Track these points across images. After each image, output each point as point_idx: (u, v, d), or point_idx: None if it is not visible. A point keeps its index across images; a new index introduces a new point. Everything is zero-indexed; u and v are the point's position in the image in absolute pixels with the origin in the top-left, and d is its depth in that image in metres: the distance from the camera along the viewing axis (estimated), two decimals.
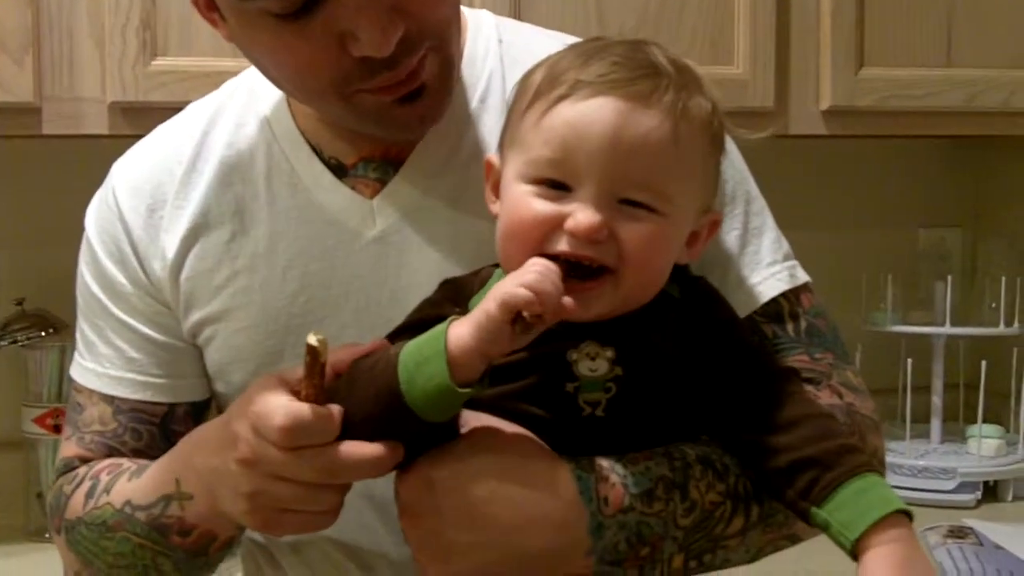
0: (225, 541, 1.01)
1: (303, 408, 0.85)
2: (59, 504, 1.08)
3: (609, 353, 0.90)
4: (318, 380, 0.86)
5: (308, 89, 0.97)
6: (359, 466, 0.86)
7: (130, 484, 1.03)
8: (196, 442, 0.99)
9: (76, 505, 1.06)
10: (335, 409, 0.86)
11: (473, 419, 0.90)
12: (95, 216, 1.12)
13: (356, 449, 0.86)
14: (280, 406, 0.86)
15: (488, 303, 0.82)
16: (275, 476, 0.87)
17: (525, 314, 0.81)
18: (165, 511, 0.99)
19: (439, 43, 0.95)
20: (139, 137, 1.14)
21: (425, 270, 1.01)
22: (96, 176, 1.14)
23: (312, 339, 0.86)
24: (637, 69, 0.89)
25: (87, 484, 1.06)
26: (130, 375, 1.09)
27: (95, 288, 1.10)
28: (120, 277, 1.09)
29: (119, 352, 1.09)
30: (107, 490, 1.04)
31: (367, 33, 0.89)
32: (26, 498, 1.80)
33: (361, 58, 0.91)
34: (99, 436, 1.09)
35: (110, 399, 1.10)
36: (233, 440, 0.89)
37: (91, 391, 1.11)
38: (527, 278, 0.82)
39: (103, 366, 1.10)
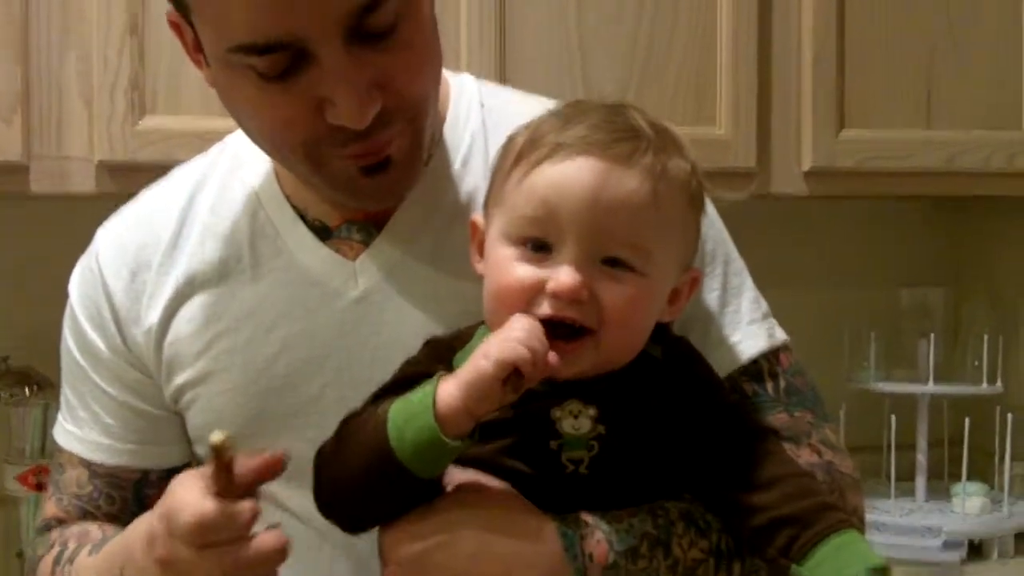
0: None
1: (209, 505, 0.84)
2: (32, 565, 1.10)
3: (592, 411, 0.90)
4: (225, 477, 0.84)
5: (280, 145, 0.97)
6: (267, 560, 0.84)
7: (89, 560, 1.03)
8: (137, 534, 0.96)
9: (44, 570, 1.07)
10: (246, 506, 0.84)
11: (458, 475, 0.91)
12: (78, 281, 1.12)
13: (263, 544, 0.84)
14: (189, 503, 0.84)
15: (480, 361, 0.83)
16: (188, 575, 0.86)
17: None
18: None
19: (413, 117, 0.96)
20: (126, 196, 1.15)
21: (406, 330, 1.01)
22: (83, 234, 1.14)
23: (216, 437, 0.83)
24: (616, 131, 0.91)
25: (56, 550, 1.07)
26: (106, 440, 1.10)
27: (76, 353, 1.11)
28: (99, 343, 1.09)
29: (96, 417, 1.10)
30: (71, 560, 1.05)
31: (345, 104, 0.90)
32: (6, 556, 1.78)
33: (336, 125, 0.92)
34: (76, 499, 1.11)
35: (87, 463, 1.11)
36: (153, 539, 0.89)
37: (71, 455, 1.12)
38: (515, 335, 0.83)
39: (82, 430, 1.11)
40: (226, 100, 0.98)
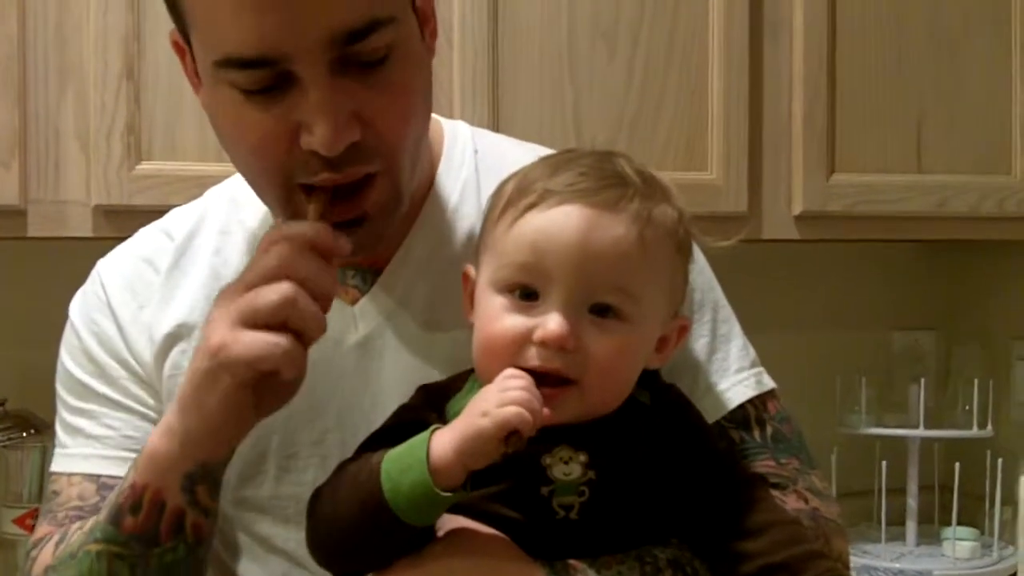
0: (174, 512, 0.94)
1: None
2: (27, 573, 1.04)
3: (582, 457, 0.91)
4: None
5: (258, 172, 0.97)
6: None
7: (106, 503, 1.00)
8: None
9: (44, 558, 1.02)
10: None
11: (449, 522, 0.91)
12: (81, 306, 1.12)
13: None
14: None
15: (479, 420, 0.83)
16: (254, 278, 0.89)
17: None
18: (122, 490, 0.96)
19: (390, 168, 0.95)
20: (122, 239, 1.16)
21: (403, 375, 1.02)
22: (79, 277, 1.15)
23: None
24: (603, 179, 0.92)
25: (57, 536, 1.03)
26: (124, 453, 1.06)
27: (80, 374, 1.10)
28: (111, 361, 1.09)
29: (115, 431, 1.08)
30: (80, 528, 1.01)
31: (320, 129, 0.90)
32: None
33: (310, 151, 0.92)
34: (76, 512, 1.05)
35: (95, 477, 1.07)
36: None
37: (71, 476, 1.08)
38: (514, 396, 0.84)
39: (93, 448, 1.08)
40: (213, 122, 0.99)
